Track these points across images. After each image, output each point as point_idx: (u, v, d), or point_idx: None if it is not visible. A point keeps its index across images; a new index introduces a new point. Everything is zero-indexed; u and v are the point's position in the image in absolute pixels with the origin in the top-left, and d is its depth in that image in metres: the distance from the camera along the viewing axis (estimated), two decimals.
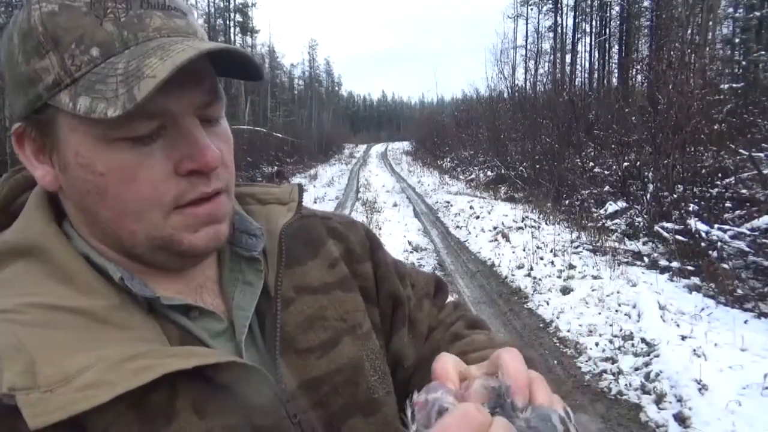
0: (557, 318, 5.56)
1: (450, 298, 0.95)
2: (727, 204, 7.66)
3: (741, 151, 7.49)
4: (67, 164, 0.56)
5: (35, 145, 0.58)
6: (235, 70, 0.59)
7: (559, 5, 30.47)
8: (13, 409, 0.44)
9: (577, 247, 8.12)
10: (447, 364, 0.47)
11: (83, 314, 0.53)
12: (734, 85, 14.17)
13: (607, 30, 28.03)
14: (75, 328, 0.51)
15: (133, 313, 0.56)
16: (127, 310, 0.56)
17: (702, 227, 6.80)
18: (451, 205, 13.21)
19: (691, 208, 7.61)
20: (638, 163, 9.69)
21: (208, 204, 0.58)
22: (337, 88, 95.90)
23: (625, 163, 10.08)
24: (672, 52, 11.43)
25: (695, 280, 6.25)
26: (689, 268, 6.50)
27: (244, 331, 0.63)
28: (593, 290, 6.11)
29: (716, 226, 6.76)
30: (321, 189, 18.77)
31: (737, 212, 7.33)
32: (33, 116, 0.56)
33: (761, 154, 7.25)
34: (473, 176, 19.35)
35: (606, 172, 11.20)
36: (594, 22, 29.64)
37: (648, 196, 8.76)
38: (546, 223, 10.07)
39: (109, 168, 0.54)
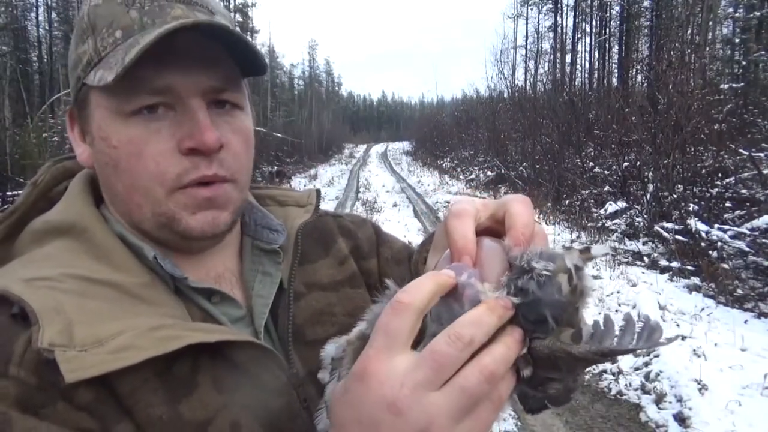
0: None
1: None
2: (727, 204, 7.66)
3: (741, 151, 7.49)
4: (92, 138, 0.63)
5: (79, 126, 0.66)
6: (253, 66, 0.63)
7: (559, 5, 30.45)
8: (52, 363, 0.49)
9: None
10: (468, 231, 0.47)
11: (116, 287, 0.58)
12: (734, 85, 14.16)
13: (607, 30, 28.01)
14: (108, 299, 0.56)
15: (161, 291, 0.61)
16: (156, 288, 0.60)
17: (702, 227, 6.80)
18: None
19: (691, 208, 7.62)
20: (638, 163, 9.69)
21: (209, 188, 0.61)
22: (337, 88, 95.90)
23: (625, 163, 10.09)
24: (672, 52, 11.42)
25: (695, 280, 6.25)
26: (689, 268, 6.50)
27: (263, 317, 0.67)
28: (593, 290, 6.11)
29: (716, 226, 6.77)
30: (321, 189, 18.72)
31: (737, 212, 7.33)
32: (76, 98, 0.64)
33: (761, 154, 7.26)
34: (473, 176, 19.35)
35: (606, 172, 11.20)
36: (594, 22, 29.63)
37: (648, 196, 8.76)
38: (546, 223, 10.08)
39: (120, 141, 0.60)
